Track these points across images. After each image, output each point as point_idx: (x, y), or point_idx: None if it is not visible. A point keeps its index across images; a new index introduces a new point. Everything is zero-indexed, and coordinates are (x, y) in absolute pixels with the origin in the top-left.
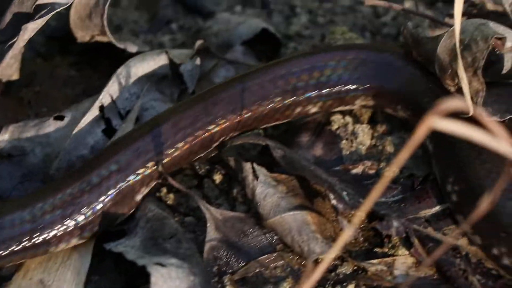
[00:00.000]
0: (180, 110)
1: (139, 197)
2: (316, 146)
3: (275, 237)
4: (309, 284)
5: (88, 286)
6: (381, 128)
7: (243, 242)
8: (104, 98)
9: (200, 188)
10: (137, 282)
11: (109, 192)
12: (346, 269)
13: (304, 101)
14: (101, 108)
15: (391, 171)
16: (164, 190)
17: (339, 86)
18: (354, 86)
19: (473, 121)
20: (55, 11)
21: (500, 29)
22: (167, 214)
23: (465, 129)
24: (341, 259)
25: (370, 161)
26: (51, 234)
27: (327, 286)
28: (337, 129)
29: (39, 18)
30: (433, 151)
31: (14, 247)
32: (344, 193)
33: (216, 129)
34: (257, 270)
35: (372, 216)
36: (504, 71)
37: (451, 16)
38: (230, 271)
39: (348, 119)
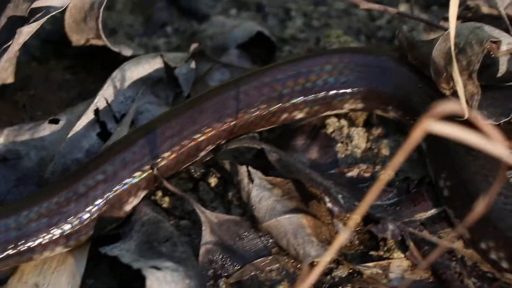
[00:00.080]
0: (166, 119)
1: (128, 207)
2: (312, 150)
3: (271, 240)
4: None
5: None
6: (376, 131)
7: (239, 245)
8: (99, 101)
9: (195, 191)
10: (132, 285)
11: (96, 202)
12: (341, 272)
13: (290, 107)
14: (96, 111)
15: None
16: (159, 193)
17: (325, 92)
18: (341, 91)
19: (468, 124)
20: (50, 15)
21: (495, 32)
22: (162, 217)
23: (461, 133)
24: (336, 262)
25: (366, 164)
26: (37, 242)
27: None
28: (332, 132)
29: (34, 21)
30: (426, 149)
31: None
32: (340, 196)
33: (202, 138)
34: (253, 273)
35: (368, 219)
36: (499, 75)
37: (446, 19)
38: (226, 274)
39: (344, 122)
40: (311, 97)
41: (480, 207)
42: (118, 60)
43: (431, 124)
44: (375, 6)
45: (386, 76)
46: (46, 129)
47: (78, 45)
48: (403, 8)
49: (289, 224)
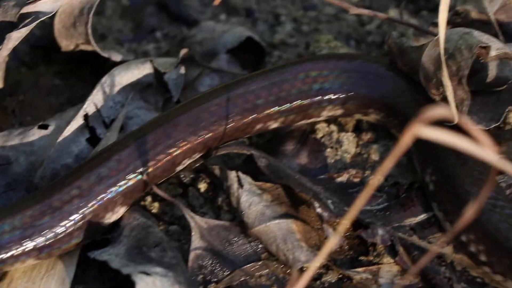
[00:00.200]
0: (141, 134)
1: (106, 222)
2: (301, 155)
3: (260, 246)
4: None
5: None
6: (366, 136)
7: (228, 251)
8: (89, 107)
9: (185, 196)
10: None
11: (71, 217)
12: (331, 277)
13: (265, 117)
14: (86, 116)
15: (376, 179)
16: (149, 198)
17: (299, 101)
18: (318, 98)
19: (458, 129)
20: (39, 20)
21: (484, 38)
22: (151, 222)
23: (451, 138)
24: (326, 267)
25: (355, 169)
26: (9, 254)
27: None
28: (322, 137)
29: (23, 27)
30: (413, 146)
31: None
32: (329, 201)
33: (178, 152)
34: (242, 279)
35: (357, 224)
36: (488, 80)
37: (436, 24)
38: (215, 279)
39: (333, 127)
40: (285, 106)
41: (470, 211)
42: (107, 66)
43: (421, 129)
44: (365, 11)
45: (365, 79)
46: (36, 134)
47: (67, 51)
48: (392, 13)
49: (278, 230)
